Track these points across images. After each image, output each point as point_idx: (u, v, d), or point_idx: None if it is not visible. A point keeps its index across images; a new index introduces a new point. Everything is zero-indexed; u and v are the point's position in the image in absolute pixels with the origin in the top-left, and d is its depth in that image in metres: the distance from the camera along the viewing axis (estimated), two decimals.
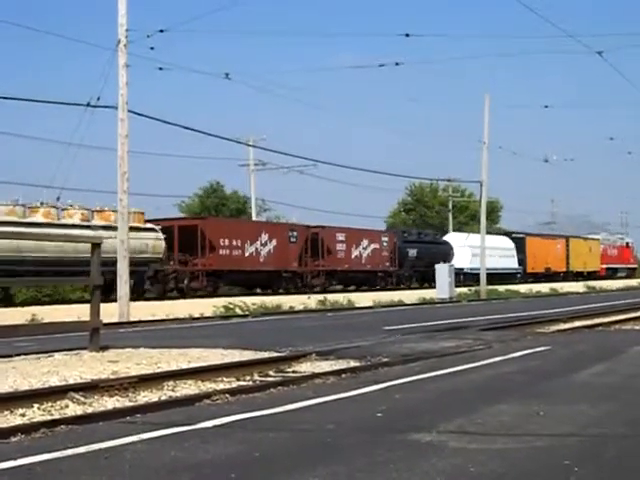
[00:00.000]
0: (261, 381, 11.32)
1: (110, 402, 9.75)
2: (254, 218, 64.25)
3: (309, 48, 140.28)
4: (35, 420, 8.44)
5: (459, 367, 11.51)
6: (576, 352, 13.97)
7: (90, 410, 9.19)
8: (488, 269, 53.57)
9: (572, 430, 7.02)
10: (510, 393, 9.17)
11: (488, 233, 58.31)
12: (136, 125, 32.04)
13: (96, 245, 14.92)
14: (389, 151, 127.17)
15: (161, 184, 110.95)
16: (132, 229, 32.61)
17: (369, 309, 34.76)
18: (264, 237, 45.10)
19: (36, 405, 9.28)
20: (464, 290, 50.53)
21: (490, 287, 51.75)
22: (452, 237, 64.47)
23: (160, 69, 34.88)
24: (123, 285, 28.15)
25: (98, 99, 28.17)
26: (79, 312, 21.62)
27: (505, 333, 17.89)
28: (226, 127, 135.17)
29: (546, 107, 68.17)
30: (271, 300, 36.47)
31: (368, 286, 50.91)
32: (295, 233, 47.38)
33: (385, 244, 54.45)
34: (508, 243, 67.92)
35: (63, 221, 34.84)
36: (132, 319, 26.55)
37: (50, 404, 9.41)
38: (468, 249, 60.89)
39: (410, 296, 43.85)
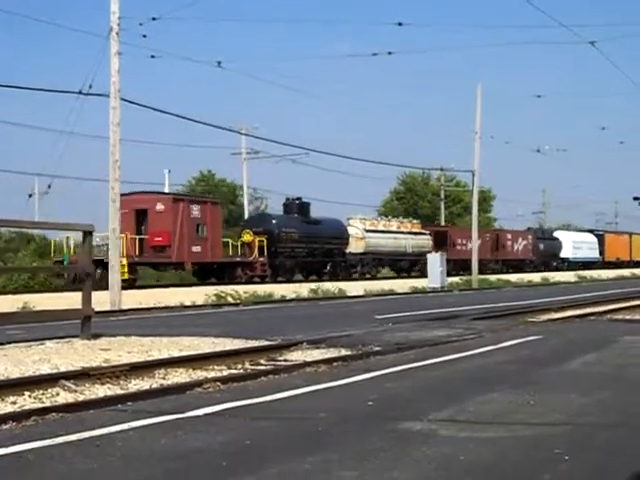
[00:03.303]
0: (252, 369, 11.33)
1: (101, 390, 9.76)
2: (246, 206, 64.37)
3: (303, 36, 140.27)
4: (26, 408, 8.45)
5: (450, 356, 11.53)
6: (567, 341, 14.00)
7: (81, 398, 9.20)
8: (579, 258, 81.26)
9: (563, 419, 7.04)
10: (501, 382, 9.18)
11: (576, 230, 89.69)
12: (128, 113, 32.00)
13: (87, 233, 14.91)
14: (382, 140, 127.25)
15: (153, 172, 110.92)
16: (417, 233, 61.79)
17: (361, 298, 34.77)
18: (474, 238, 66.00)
19: (27, 393, 9.29)
20: (456, 279, 50.59)
21: (481, 276, 51.89)
22: (559, 234, 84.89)
23: (152, 57, 34.86)
24: (114, 273, 28.15)
25: (90, 87, 28.13)
26: (71, 300, 21.59)
27: (496, 322, 17.91)
28: (219, 115, 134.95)
29: (538, 97, 67.78)
30: (263, 289, 36.48)
31: (518, 270, 69.82)
32: (488, 235, 70.06)
33: (530, 240, 76.40)
34: (592, 238, 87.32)
35: (390, 228, 59.43)
36: (124, 307, 26.54)
37: (41, 392, 9.41)
38: (571, 243, 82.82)
39: (403, 285, 43.91)
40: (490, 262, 69.17)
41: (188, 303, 28.68)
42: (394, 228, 59.85)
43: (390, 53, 39.51)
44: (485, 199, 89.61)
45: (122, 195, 36.65)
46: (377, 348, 12.97)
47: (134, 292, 32.59)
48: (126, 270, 37.10)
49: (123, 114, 28.65)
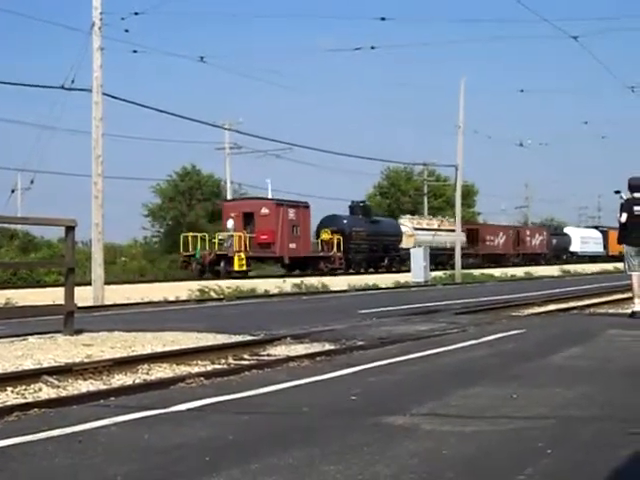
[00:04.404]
0: (236, 364, 11.33)
1: (84, 385, 9.74)
2: None
3: (286, 31, 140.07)
4: (8, 403, 8.42)
5: (433, 350, 11.54)
6: (550, 335, 14.02)
7: (64, 393, 9.18)
8: (586, 252, 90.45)
9: (546, 413, 7.05)
10: (484, 376, 9.19)
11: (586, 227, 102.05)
12: (111, 108, 31.95)
13: (70, 228, 14.86)
14: (365, 135, 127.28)
15: (136, 167, 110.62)
16: (453, 230, 59.82)
17: (344, 293, 34.82)
18: (500, 234, 78.41)
19: (9, 388, 9.26)
20: (439, 274, 50.70)
21: (465, 271, 52.00)
22: (568, 230, 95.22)
23: (135, 52, 34.85)
24: (97, 268, 28.09)
25: (72, 82, 28.08)
26: (54, 296, 21.55)
27: (480, 316, 17.94)
28: (202, 110, 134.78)
29: (521, 91, 68.23)
30: (246, 284, 36.48)
31: (535, 262, 78.45)
32: (511, 231, 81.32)
33: (544, 236, 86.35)
34: (597, 234, 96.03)
35: (432, 226, 67.01)
36: (107, 303, 26.49)
37: (24, 387, 9.39)
38: (579, 238, 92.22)
39: (387, 280, 43.94)
40: (512, 256, 78.95)
41: (172, 298, 28.68)
42: (435, 226, 68.05)
43: (373, 48, 39.55)
44: (468, 193, 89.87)
45: (231, 200, 55.10)
46: (360, 343, 12.98)
47: (117, 287, 32.55)
48: (244, 263, 47.36)
49: (106, 109, 28.60)
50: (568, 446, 5.86)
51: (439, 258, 64.18)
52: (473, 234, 72.84)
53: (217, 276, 44.54)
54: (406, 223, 65.00)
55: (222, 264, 46.91)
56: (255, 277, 45.61)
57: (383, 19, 38.66)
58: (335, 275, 49.38)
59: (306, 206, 54.29)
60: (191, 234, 50.04)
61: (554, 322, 16.76)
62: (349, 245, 55.50)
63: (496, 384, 8.60)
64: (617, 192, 16.74)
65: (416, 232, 64.09)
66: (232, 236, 48.46)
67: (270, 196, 55.03)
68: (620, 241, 16.87)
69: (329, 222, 56.52)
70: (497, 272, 56.58)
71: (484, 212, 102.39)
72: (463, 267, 58.64)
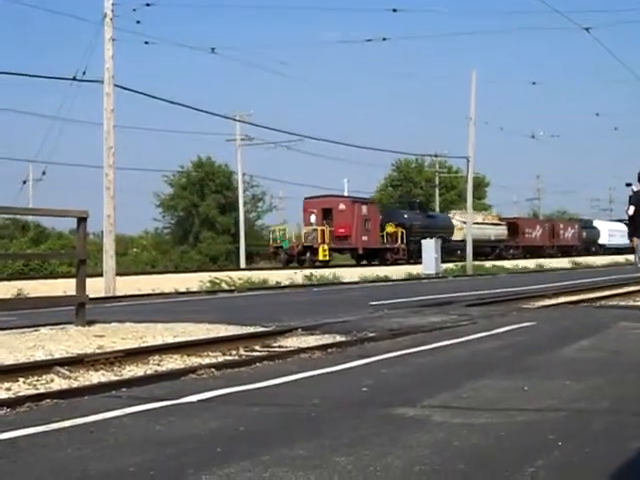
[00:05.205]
0: (247, 356, 11.33)
1: (96, 376, 9.76)
2: (240, 193, 64.42)
3: (297, 23, 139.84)
4: (20, 394, 8.44)
5: (444, 342, 11.53)
6: (561, 328, 13.99)
7: (75, 384, 9.20)
8: (613, 244, 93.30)
9: (556, 405, 7.04)
10: (495, 368, 9.19)
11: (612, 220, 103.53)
12: (122, 100, 31.98)
13: (82, 219, 14.88)
14: (376, 127, 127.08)
15: (147, 159, 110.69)
16: (496, 224, 75.27)
17: (355, 284, 34.80)
18: (537, 227, 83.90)
19: (21, 379, 9.29)
20: (450, 266, 50.62)
21: (476, 263, 51.92)
22: (597, 223, 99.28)
23: (146, 43, 34.94)
24: (109, 259, 28.13)
25: (84, 73, 28.12)
26: (65, 287, 21.59)
27: (490, 309, 17.91)
28: (213, 102, 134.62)
29: (533, 83, 68.13)
30: (258, 275, 36.50)
31: (568, 254, 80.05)
32: (547, 224, 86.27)
33: (576, 229, 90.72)
34: (623, 227, 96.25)
35: (477, 220, 67.74)
36: (118, 294, 26.53)
37: (36, 378, 9.41)
38: (607, 231, 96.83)
39: (398, 272, 43.90)
40: (548, 248, 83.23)
41: (183, 289, 28.70)
42: (480, 220, 72.12)
43: (385, 39, 39.51)
44: (479, 185, 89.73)
45: (311, 198, 59.00)
46: (372, 334, 12.96)
47: (128, 278, 32.61)
48: (327, 253, 54.39)
49: (117, 100, 28.62)
50: (579, 438, 5.86)
51: (484, 249, 69.37)
52: (513, 227, 78.15)
53: (302, 265, 50.42)
54: (456, 217, 70.32)
55: (308, 254, 53.53)
56: (335, 266, 48.76)
57: (395, 10, 38.68)
58: (396, 265, 54.08)
59: (373, 202, 62.32)
60: (278, 227, 58.95)
61: (565, 314, 16.71)
62: (409, 238, 60.86)
63: (507, 376, 8.60)
64: (628, 184, 16.69)
65: (465, 226, 66.20)
66: (316, 230, 54.93)
67: (346, 194, 61.96)
68: (630, 234, 16.82)
69: (392, 217, 63.04)
70: (508, 264, 56.46)
71: (496, 204, 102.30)
72: (505, 258, 67.44)
